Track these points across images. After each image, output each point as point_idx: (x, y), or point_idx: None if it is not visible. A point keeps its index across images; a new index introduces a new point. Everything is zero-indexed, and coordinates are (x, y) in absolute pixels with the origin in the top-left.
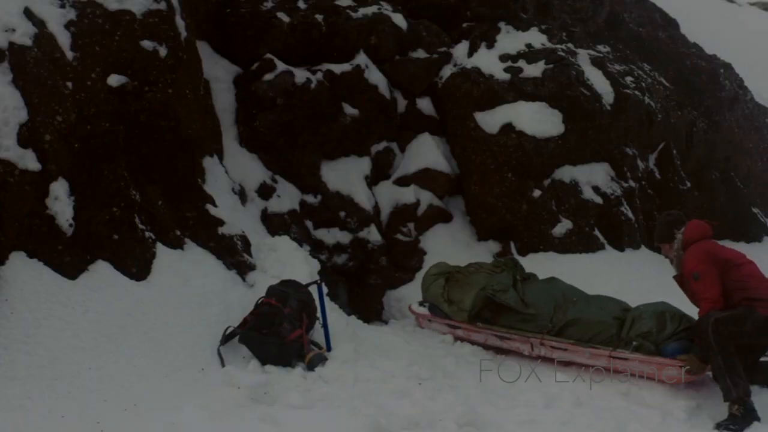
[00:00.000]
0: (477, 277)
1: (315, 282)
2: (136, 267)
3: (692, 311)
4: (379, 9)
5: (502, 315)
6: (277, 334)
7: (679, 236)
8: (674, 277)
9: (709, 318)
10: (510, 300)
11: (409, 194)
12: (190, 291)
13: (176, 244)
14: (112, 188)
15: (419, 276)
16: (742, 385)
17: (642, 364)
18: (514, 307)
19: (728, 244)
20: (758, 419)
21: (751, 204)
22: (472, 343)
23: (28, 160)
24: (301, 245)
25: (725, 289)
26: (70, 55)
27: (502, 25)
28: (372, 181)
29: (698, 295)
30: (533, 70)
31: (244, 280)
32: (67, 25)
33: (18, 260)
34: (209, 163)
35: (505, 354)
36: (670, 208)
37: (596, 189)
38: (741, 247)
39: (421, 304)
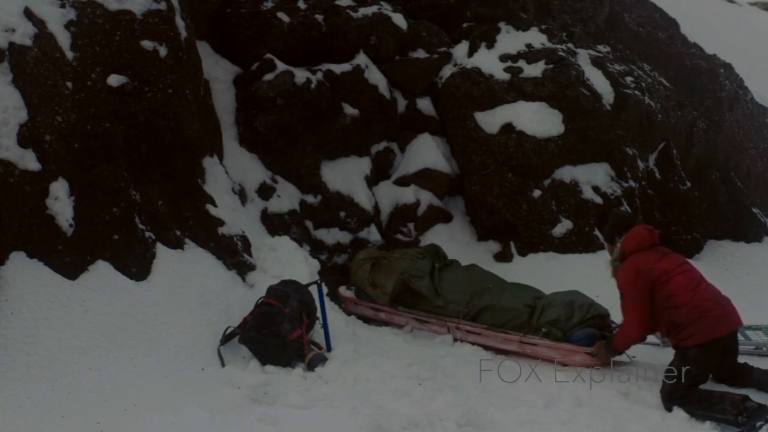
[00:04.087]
0: (401, 263)
1: (315, 282)
2: (136, 267)
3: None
4: (379, 9)
5: (420, 299)
6: (277, 334)
7: (618, 244)
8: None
9: (662, 398)
10: (422, 287)
11: (409, 194)
12: (190, 291)
13: (176, 244)
14: (112, 188)
15: None
16: (728, 403)
17: (549, 349)
18: (425, 295)
19: (728, 244)
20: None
21: (751, 204)
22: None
23: (28, 160)
24: (301, 245)
25: (655, 308)
26: (70, 55)
27: (502, 25)
28: (372, 181)
29: (622, 313)
30: (533, 70)
31: (244, 280)
32: (67, 25)
33: (18, 260)
34: (209, 163)
35: (505, 354)
36: (670, 208)
37: (596, 189)
38: (741, 247)
39: (348, 288)
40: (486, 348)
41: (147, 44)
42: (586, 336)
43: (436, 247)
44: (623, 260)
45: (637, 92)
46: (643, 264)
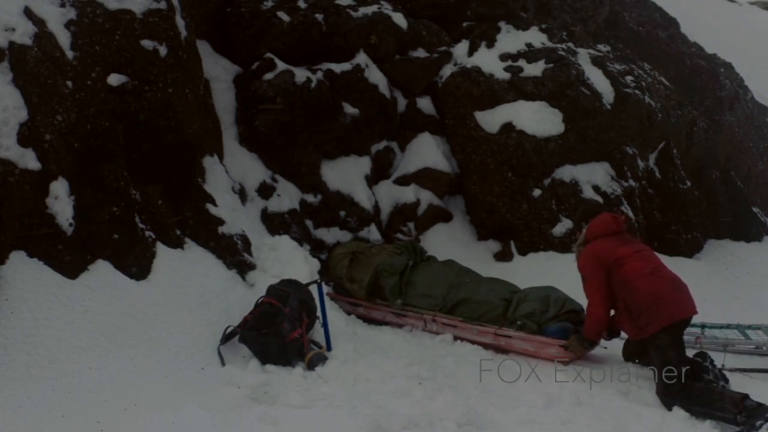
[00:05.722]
0: (379, 258)
1: (315, 281)
2: (136, 267)
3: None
4: (379, 8)
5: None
6: (277, 333)
7: (584, 230)
8: None
9: (660, 396)
10: (387, 285)
11: (409, 194)
12: (190, 291)
13: (176, 244)
14: (112, 188)
15: None
16: (728, 402)
17: (524, 341)
18: (386, 294)
19: (728, 243)
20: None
21: (751, 204)
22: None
23: (29, 160)
24: (301, 244)
25: (612, 290)
26: (70, 54)
27: (502, 24)
28: (372, 180)
29: (586, 296)
30: (533, 69)
31: (244, 279)
32: (67, 25)
33: (18, 260)
34: (209, 162)
35: (505, 354)
36: (670, 208)
37: (596, 188)
38: (741, 247)
39: (326, 283)
40: (472, 342)
41: (147, 43)
42: (560, 329)
43: (414, 245)
44: (586, 245)
45: (637, 92)
46: (602, 250)
